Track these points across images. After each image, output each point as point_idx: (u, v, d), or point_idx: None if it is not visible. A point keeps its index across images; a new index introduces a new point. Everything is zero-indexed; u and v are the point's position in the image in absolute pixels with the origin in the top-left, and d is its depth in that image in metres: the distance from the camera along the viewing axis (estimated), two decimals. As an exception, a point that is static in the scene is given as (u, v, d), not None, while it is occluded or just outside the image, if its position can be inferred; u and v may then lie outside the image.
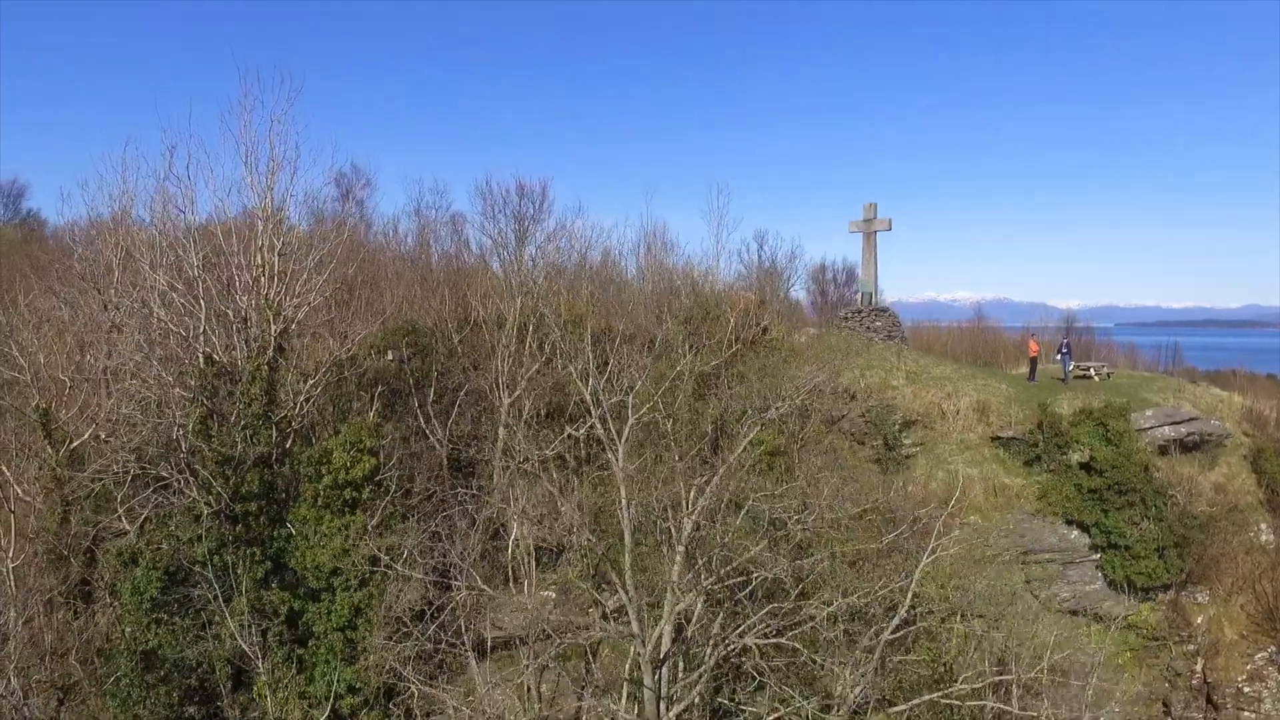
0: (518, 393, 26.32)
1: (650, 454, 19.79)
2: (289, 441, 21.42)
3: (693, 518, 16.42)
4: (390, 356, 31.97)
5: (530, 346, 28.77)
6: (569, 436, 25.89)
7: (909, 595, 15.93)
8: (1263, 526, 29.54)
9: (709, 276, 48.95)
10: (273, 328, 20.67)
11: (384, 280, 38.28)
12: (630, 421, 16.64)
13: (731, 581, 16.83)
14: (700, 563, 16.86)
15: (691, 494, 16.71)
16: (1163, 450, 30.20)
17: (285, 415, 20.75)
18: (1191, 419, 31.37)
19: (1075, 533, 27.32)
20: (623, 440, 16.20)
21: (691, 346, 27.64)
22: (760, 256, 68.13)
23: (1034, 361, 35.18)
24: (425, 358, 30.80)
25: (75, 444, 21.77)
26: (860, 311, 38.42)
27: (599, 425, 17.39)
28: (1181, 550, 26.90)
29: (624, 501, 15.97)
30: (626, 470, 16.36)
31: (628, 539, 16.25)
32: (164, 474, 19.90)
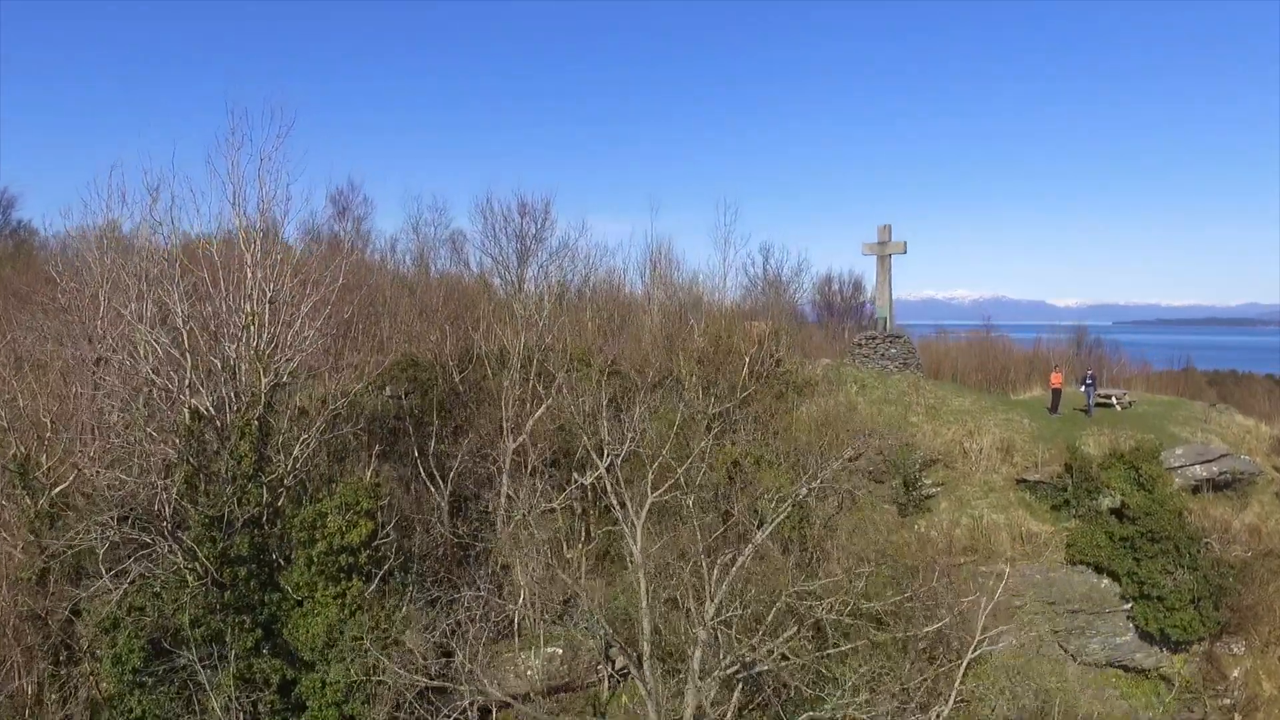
0: (522, 437, 25.09)
1: (667, 527, 18.49)
2: (281, 500, 20.17)
3: (716, 600, 15.21)
4: (389, 393, 30.75)
5: (534, 386, 27.56)
6: (577, 485, 24.69)
7: (950, 700, 14.70)
8: (1299, 571, 28.31)
9: (716, 294, 47.84)
10: (263, 380, 19.39)
11: (381, 305, 37.06)
12: (649, 501, 15.35)
13: (756, 671, 15.60)
14: (722, 643, 15.69)
15: (715, 573, 15.51)
16: (1194, 489, 29.03)
17: (277, 474, 19.48)
18: (1222, 455, 30.17)
19: (1106, 581, 26.10)
20: (640, 522, 14.92)
21: (706, 388, 26.43)
22: (766, 270, 67.08)
23: (1057, 393, 33.93)
24: (425, 394, 29.58)
25: (56, 490, 20.58)
26: (874, 338, 37.16)
27: (614, 503, 16.15)
28: (1217, 601, 25.68)
29: (643, 591, 14.70)
30: (645, 552, 15.09)
31: (646, 627, 15.01)
32: (147, 539, 18.65)
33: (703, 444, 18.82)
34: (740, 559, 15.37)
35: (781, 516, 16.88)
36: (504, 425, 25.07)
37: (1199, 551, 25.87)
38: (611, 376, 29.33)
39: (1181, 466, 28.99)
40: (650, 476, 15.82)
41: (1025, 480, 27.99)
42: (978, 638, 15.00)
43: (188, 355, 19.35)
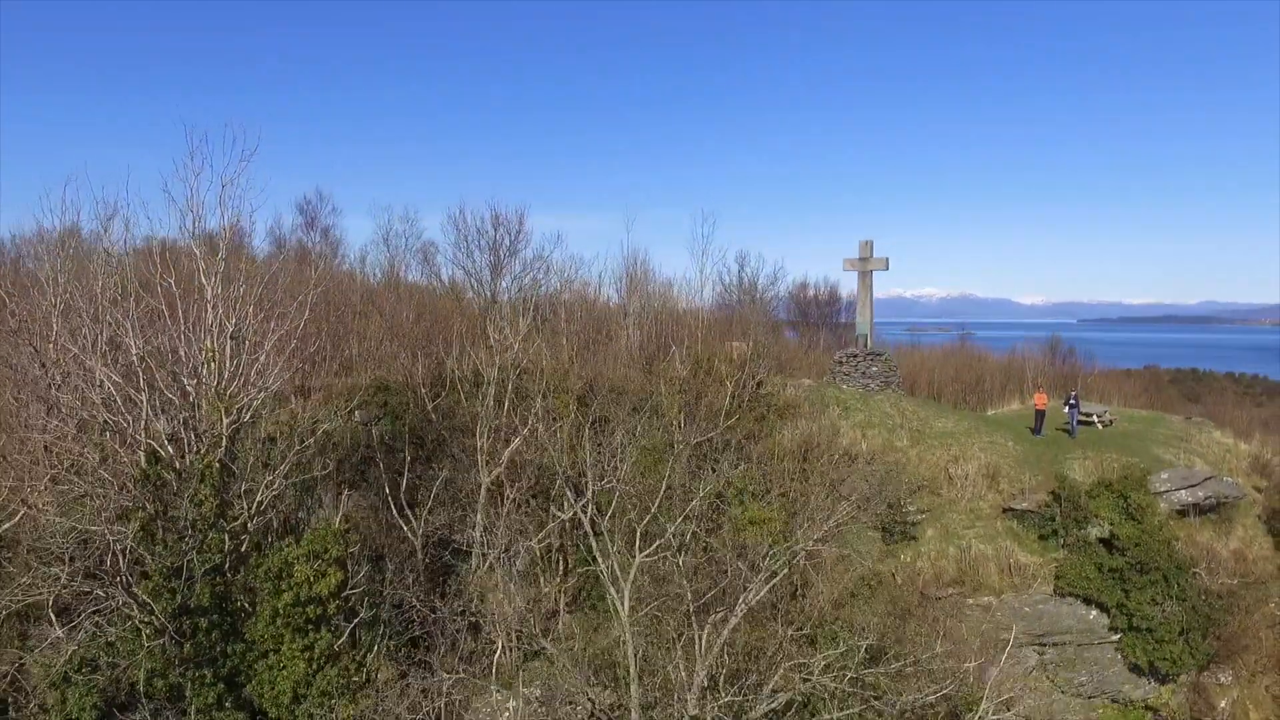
0: (498, 470, 24.14)
1: (652, 575, 17.64)
2: (245, 545, 19.10)
3: (707, 662, 14.42)
4: (358, 418, 29.67)
5: (509, 412, 26.64)
6: (556, 522, 23.80)
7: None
8: (1284, 597, 28.11)
9: (694, 303, 47.08)
10: (224, 421, 18.33)
11: (351, 321, 35.94)
12: (636, 562, 14.50)
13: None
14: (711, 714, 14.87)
15: (704, 633, 14.71)
16: (1180, 513, 28.72)
17: (241, 520, 18.43)
18: (1207, 478, 29.89)
19: (1094, 612, 25.64)
20: (628, 586, 14.08)
21: (688, 417, 25.63)
22: (741, 278, 66.47)
23: (1041, 414, 33.52)
24: (397, 419, 28.56)
25: (4, 528, 19.45)
26: (855, 355, 36.55)
27: (600, 563, 15.29)
28: (1205, 631, 25.34)
29: (631, 656, 13.87)
30: (633, 615, 14.24)
31: (634, 693, 14.18)
32: (101, 591, 17.54)
33: (691, 506, 17.90)
34: (732, 619, 14.58)
35: (777, 579, 16.08)
36: (479, 458, 24.10)
37: (1188, 582, 25.51)
38: (589, 400, 28.49)
39: (1167, 491, 28.66)
40: (638, 533, 14.97)
41: (1013, 509, 27.48)
42: (984, 706, 14.32)
43: (144, 393, 18.23)
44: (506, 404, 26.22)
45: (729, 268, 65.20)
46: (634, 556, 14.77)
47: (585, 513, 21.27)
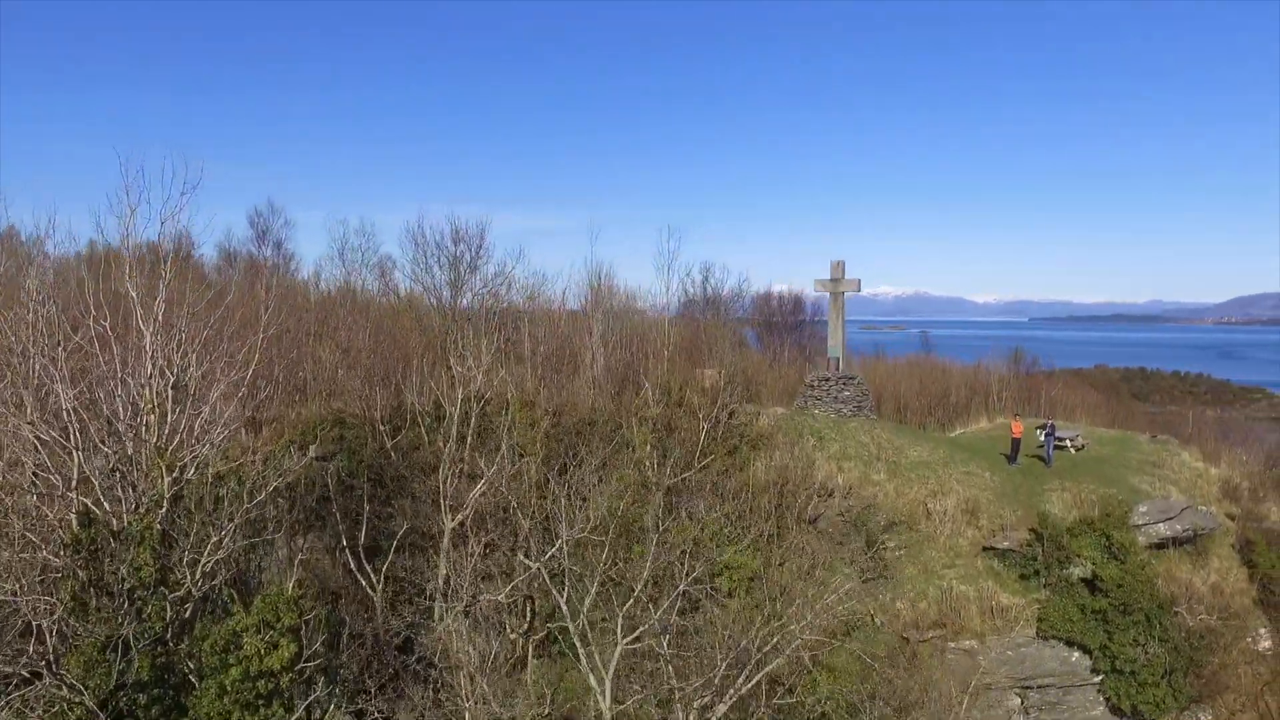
0: (462, 515, 22.83)
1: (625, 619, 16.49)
2: (189, 611, 17.62)
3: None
4: (312, 454, 28.12)
5: (473, 448, 25.37)
6: (525, 572, 22.56)
7: None
8: (1261, 632, 27.81)
9: (659, 317, 46.00)
10: (165, 479, 16.84)
11: (305, 344, 34.29)
12: (619, 648, 13.38)
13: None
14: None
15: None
16: (1157, 546, 28.32)
17: (184, 588, 16.95)
18: (1184, 509, 29.54)
19: (1076, 654, 25.07)
20: (610, 675, 12.95)
21: (662, 456, 24.55)
22: (706, 289, 65.57)
23: (1016, 443, 32.95)
24: (354, 455, 27.11)
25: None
26: (828, 379, 35.74)
27: (578, 649, 14.16)
28: (1188, 671, 24.88)
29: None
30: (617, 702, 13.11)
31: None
32: (25, 671, 15.96)
33: (673, 598, 16.79)
34: (720, 707, 13.52)
35: (769, 668, 15.07)
36: (442, 501, 22.78)
37: (1170, 622, 25.04)
38: (557, 435, 27.30)
39: (1146, 524, 28.23)
40: (619, 621, 13.84)
41: (994, 548, 26.80)
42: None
43: (75, 452, 16.69)
44: (470, 438, 24.98)
45: (693, 279, 64.27)
46: (619, 640, 13.60)
47: (558, 558, 20.23)
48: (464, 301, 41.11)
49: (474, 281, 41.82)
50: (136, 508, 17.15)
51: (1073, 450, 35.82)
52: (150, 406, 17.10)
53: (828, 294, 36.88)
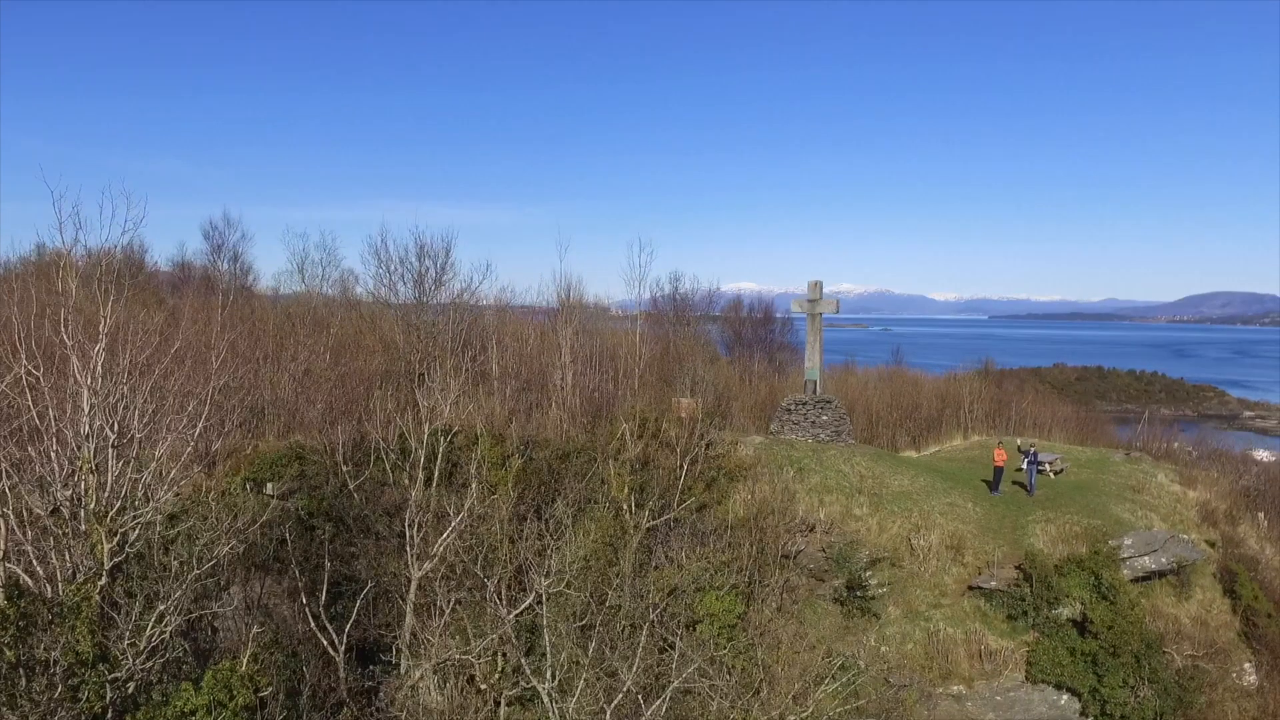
0: (429, 565, 21.53)
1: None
2: (131, 687, 16.19)
3: None
4: (270, 492, 26.67)
5: (441, 487, 24.10)
6: (495, 620, 21.33)
7: None
8: (1246, 667, 27.35)
9: (629, 334, 44.90)
10: (105, 547, 15.42)
11: (262, 368, 32.69)
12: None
13: None
14: None
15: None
16: (1142, 578, 27.79)
17: (126, 668, 15.53)
18: (1167, 540, 29.04)
19: (1065, 697, 24.38)
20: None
21: (640, 497, 23.45)
22: (676, 297, 64.56)
23: (999, 471, 32.31)
24: (314, 494, 25.72)
25: None
26: (805, 403, 34.84)
27: (552, 711, 13.02)
28: (1177, 712, 24.32)
29: None
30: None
31: None
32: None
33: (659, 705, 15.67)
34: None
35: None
36: (409, 550, 21.48)
37: (1159, 662, 24.45)
38: (529, 474, 26.09)
39: (1130, 558, 27.67)
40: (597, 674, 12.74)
41: (981, 588, 26.04)
42: None
43: (3, 516, 15.18)
44: (437, 475, 23.72)
45: (662, 286, 63.27)
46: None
47: (533, 608, 19.12)
48: (429, 318, 39.68)
49: (439, 296, 40.41)
50: (73, 577, 15.69)
51: (1052, 474, 35.39)
52: (88, 466, 15.65)
53: (805, 314, 35.97)
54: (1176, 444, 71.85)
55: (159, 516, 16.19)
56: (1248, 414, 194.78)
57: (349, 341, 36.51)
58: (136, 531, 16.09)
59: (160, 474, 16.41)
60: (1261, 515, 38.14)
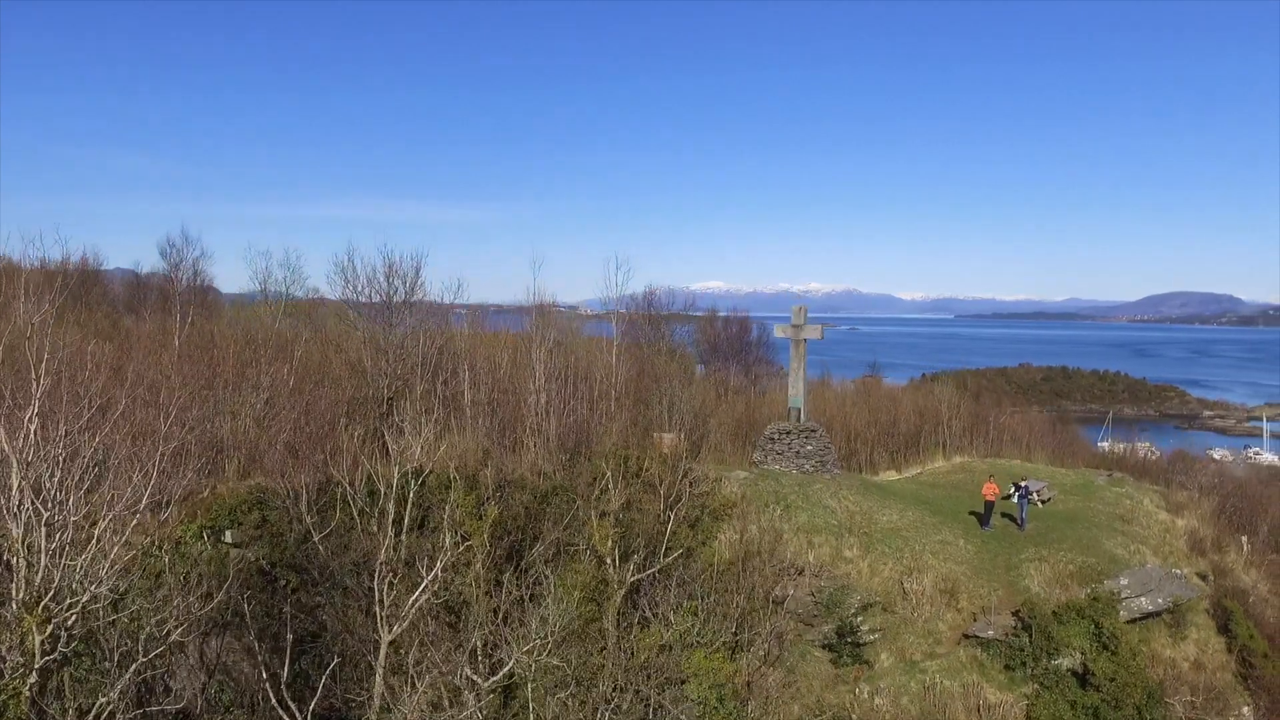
0: (400, 628, 20.11)
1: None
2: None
3: None
4: (229, 539, 25.04)
5: (413, 535, 22.74)
6: (471, 687, 19.96)
7: None
8: (1245, 710, 26.66)
9: (605, 357, 43.58)
10: (37, 640, 13.88)
11: (220, 395, 30.97)
12: None
13: None
14: None
15: None
16: (1139, 618, 27.04)
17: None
18: (1162, 579, 28.33)
19: (1065, 751, 23.49)
20: None
21: (624, 552, 22.17)
22: (651, 311, 63.25)
23: (990, 506, 31.42)
24: (276, 543, 24.17)
25: None
26: (789, 432, 33.75)
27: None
28: (1177, 765, 23.55)
29: None
30: None
31: None
32: None
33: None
34: None
35: None
36: (378, 611, 20.02)
37: (1161, 714, 23.64)
38: (505, 518, 24.71)
39: (1127, 599, 26.88)
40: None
41: (978, 637, 25.06)
42: None
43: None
44: (407, 522, 22.32)
45: (636, 300, 61.92)
46: None
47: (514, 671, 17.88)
48: (398, 340, 38.04)
49: (407, 318, 38.80)
50: (2, 672, 14.15)
51: (1040, 504, 34.67)
52: (17, 550, 14.08)
53: (789, 339, 34.88)
54: (1151, 454, 71.88)
55: (102, 599, 14.65)
56: (1207, 413, 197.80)
57: (314, 367, 34.82)
58: (75, 617, 14.56)
59: (103, 551, 14.86)
60: (1244, 539, 37.81)
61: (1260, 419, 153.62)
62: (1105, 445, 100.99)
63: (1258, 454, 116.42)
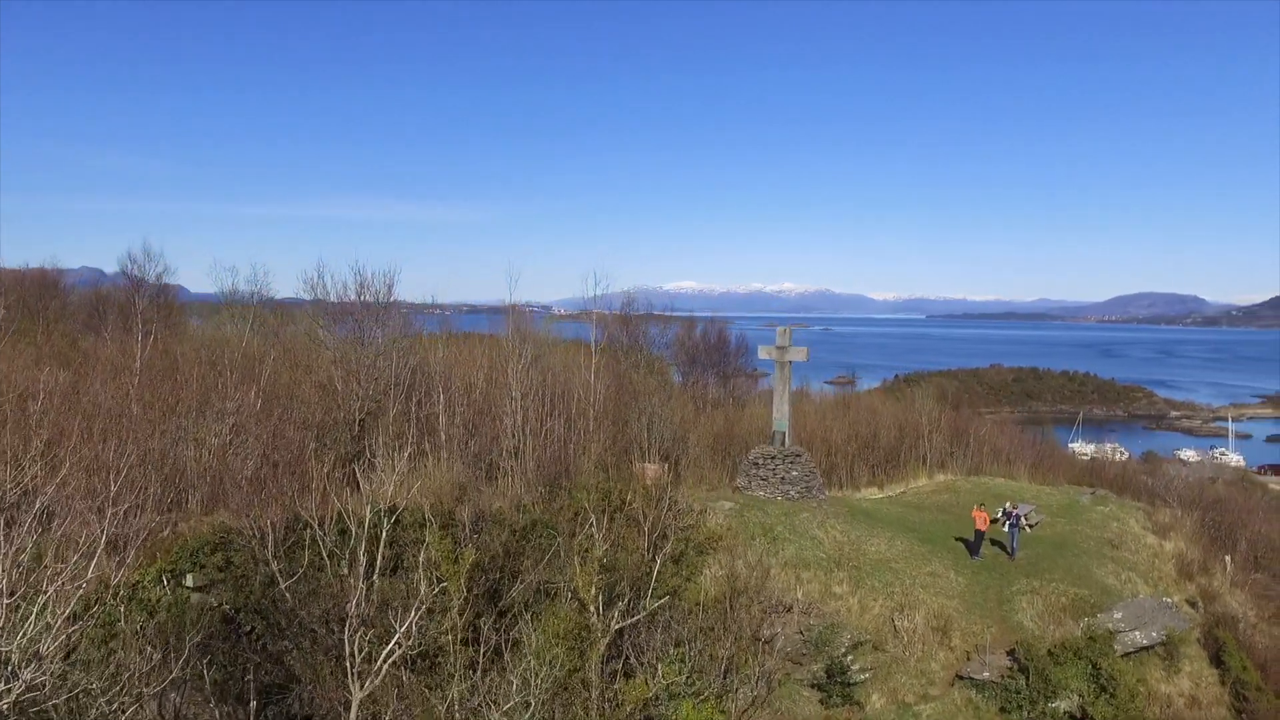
0: (373, 684, 19.03)
1: None
2: None
3: None
4: (190, 584, 23.78)
5: (385, 577, 21.63)
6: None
7: None
8: (1239, 747, 26.22)
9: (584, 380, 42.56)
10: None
11: (184, 421, 29.63)
12: None
13: None
14: None
15: None
16: (1133, 652, 26.48)
17: None
18: (1155, 610, 27.79)
19: (1063, 799, 22.86)
20: None
21: (608, 598, 21.20)
22: (628, 318, 62.27)
23: (980, 535, 30.76)
24: (241, 588, 22.95)
25: None
26: (774, 457, 32.92)
27: None
28: (1176, 809, 22.98)
29: None
30: None
31: None
32: None
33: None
34: None
35: None
36: (350, 668, 18.93)
37: (1161, 757, 23.07)
38: (482, 558, 23.67)
39: (1121, 633, 26.31)
40: None
41: (972, 678, 24.34)
42: None
43: None
44: (379, 565, 21.19)
45: (611, 308, 60.89)
46: None
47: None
48: (370, 359, 36.80)
49: (379, 338, 37.56)
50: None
51: (1028, 529, 34.11)
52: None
53: (774, 361, 34.06)
54: (1120, 455, 71.61)
55: (48, 674, 13.46)
56: (1174, 414, 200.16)
57: (282, 390, 33.51)
58: (15, 692, 13.36)
59: (48, 624, 13.67)
60: (1227, 558, 37.54)
61: (1225, 419, 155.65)
62: (1076, 446, 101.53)
63: (1224, 454, 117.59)
